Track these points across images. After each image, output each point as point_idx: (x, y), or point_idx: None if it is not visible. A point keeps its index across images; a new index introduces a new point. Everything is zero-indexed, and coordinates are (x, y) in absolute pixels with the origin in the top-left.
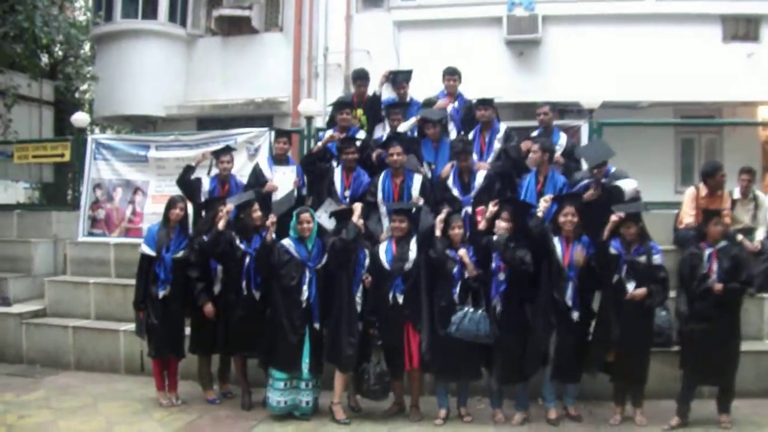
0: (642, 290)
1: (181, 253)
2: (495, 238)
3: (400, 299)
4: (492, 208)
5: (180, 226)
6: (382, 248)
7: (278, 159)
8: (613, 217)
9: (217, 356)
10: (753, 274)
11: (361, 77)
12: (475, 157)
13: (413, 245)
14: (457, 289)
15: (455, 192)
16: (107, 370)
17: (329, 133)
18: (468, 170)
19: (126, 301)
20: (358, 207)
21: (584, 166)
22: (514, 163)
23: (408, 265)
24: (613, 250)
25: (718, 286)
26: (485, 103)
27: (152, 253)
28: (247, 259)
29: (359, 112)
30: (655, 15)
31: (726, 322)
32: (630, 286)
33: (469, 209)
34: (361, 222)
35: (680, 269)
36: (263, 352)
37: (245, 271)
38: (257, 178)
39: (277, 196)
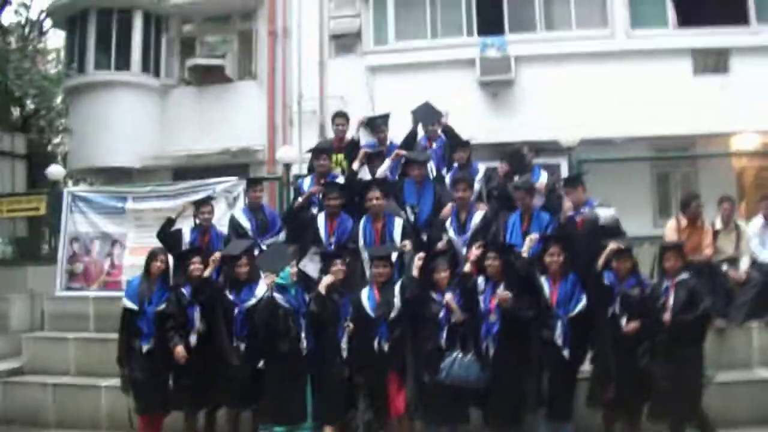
0: (634, 324)
1: (162, 306)
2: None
3: (386, 347)
4: (475, 251)
5: (162, 279)
6: (364, 295)
7: (253, 207)
8: (612, 246)
9: (202, 412)
10: (708, 307)
11: (340, 116)
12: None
13: (397, 291)
14: (444, 334)
15: (451, 233)
16: (88, 428)
17: (310, 186)
18: (466, 208)
19: (107, 356)
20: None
21: (566, 202)
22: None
23: (393, 313)
24: (606, 282)
25: (667, 317)
26: (462, 145)
27: (134, 307)
28: (236, 310)
29: (340, 157)
30: (625, 51)
31: (687, 357)
32: (623, 321)
33: (465, 250)
34: (330, 279)
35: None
36: (266, 407)
37: (234, 322)
38: (235, 229)
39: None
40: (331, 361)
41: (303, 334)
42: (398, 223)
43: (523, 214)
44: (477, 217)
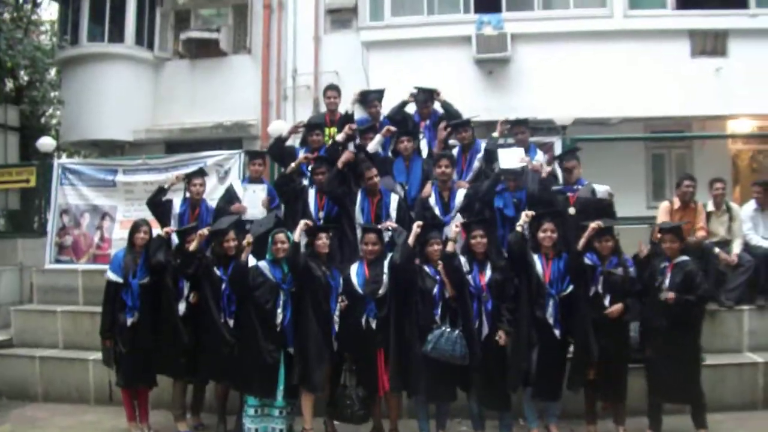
0: (618, 306)
1: (146, 279)
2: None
3: (373, 324)
4: (455, 229)
5: (146, 251)
6: (353, 270)
7: (253, 180)
8: (593, 225)
9: (191, 386)
10: (708, 290)
11: (331, 88)
12: (455, 176)
13: (386, 268)
14: (439, 310)
15: (437, 211)
16: (76, 401)
17: (302, 154)
18: (448, 189)
19: (95, 329)
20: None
21: (560, 177)
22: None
23: (382, 290)
24: (588, 261)
25: (671, 295)
26: (465, 125)
27: (119, 280)
28: (224, 286)
29: (333, 130)
30: (623, 31)
31: (685, 340)
32: (606, 300)
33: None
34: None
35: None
36: (236, 377)
37: (222, 297)
38: (230, 198)
39: (247, 216)
40: (310, 332)
41: (280, 309)
42: (394, 199)
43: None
44: (460, 196)
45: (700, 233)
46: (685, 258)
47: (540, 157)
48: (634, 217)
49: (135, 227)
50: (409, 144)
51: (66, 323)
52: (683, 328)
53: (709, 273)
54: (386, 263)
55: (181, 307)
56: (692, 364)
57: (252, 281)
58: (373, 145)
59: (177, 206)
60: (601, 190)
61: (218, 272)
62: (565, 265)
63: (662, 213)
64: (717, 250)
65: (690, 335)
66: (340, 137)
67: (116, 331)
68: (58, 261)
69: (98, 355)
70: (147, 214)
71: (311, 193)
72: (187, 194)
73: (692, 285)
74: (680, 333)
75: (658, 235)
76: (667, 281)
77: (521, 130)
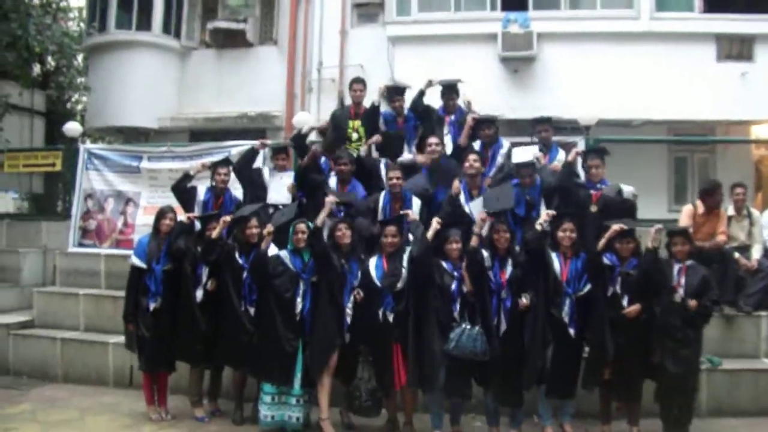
0: (636, 307)
1: (170, 265)
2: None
3: (390, 317)
4: (480, 223)
5: (170, 237)
6: (372, 264)
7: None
8: (615, 227)
9: (208, 372)
10: (719, 294)
11: (357, 81)
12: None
13: (405, 262)
14: (458, 306)
15: (466, 209)
16: (95, 383)
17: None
18: (477, 186)
19: (116, 313)
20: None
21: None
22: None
23: (400, 284)
24: (607, 261)
25: (693, 302)
26: (488, 122)
27: (142, 265)
28: (245, 274)
29: (357, 123)
30: (649, 33)
31: (694, 344)
32: (625, 301)
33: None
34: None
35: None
36: (255, 365)
37: (244, 285)
38: (256, 178)
39: (273, 201)
40: (322, 321)
41: (299, 299)
42: (416, 204)
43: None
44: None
45: (721, 237)
46: (691, 262)
47: (561, 156)
48: (655, 220)
49: (161, 213)
50: (437, 147)
51: (88, 306)
52: (695, 330)
53: (728, 277)
54: (405, 257)
55: (199, 294)
56: (697, 367)
57: (272, 270)
58: (365, 149)
59: (201, 194)
60: (627, 190)
61: (240, 260)
62: (583, 264)
63: (685, 216)
64: (737, 255)
65: (699, 339)
66: (363, 150)
67: (139, 316)
68: (81, 245)
69: (118, 339)
70: (171, 201)
71: (332, 184)
72: (212, 183)
73: (708, 289)
74: (692, 334)
75: (654, 236)
76: (682, 284)
77: (545, 128)
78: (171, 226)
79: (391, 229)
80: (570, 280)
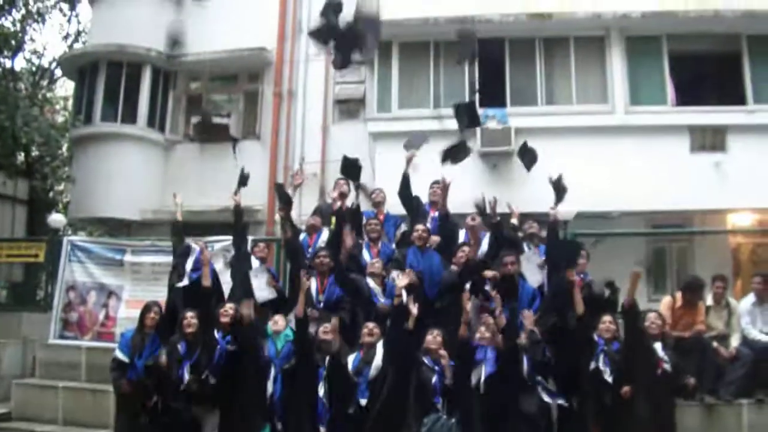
0: (627, 388)
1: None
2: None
3: (363, 402)
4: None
5: (155, 332)
6: (351, 358)
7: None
8: (636, 270)
9: None
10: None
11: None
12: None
13: (379, 349)
14: (440, 399)
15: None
16: None
17: (305, 239)
18: (476, 237)
19: (96, 406)
20: None
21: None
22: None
23: (373, 372)
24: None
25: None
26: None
27: (125, 359)
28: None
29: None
30: (624, 127)
31: None
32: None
33: None
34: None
35: None
36: None
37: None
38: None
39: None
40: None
41: (270, 382)
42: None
43: None
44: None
45: (700, 327)
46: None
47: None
48: None
49: (147, 308)
50: (424, 234)
51: (67, 399)
52: None
53: (708, 366)
54: (379, 346)
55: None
56: None
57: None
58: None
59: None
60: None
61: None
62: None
63: (664, 308)
64: (715, 344)
65: None
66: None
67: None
68: (62, 336)
69: None
70: (154, 296)
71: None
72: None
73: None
74: None
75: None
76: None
77: (531, 225)
78: (155, 320)
79: (369, 325)
80: None
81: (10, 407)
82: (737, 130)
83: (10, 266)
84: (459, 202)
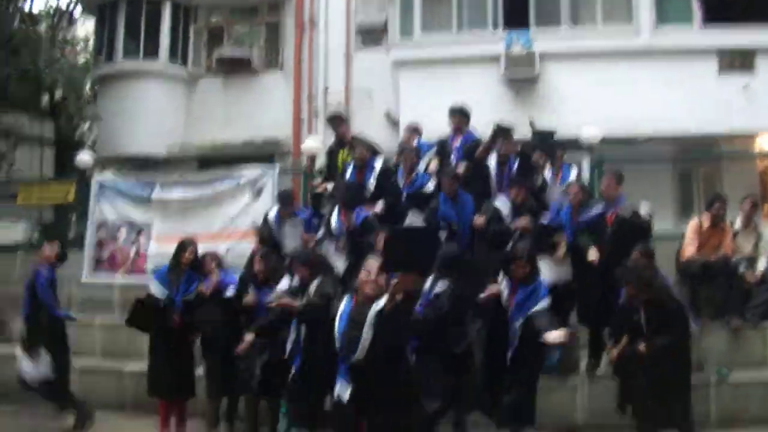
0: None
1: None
2: None
3: (345, 396)
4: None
5: (190, 269)
6: (340, 309)
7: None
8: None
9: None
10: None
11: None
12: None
13: (371, 316)
14: None
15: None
16: (114, 408)
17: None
18: None
19: (130, 342)
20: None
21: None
22: None
23: (359, 353)
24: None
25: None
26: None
27: (162, 296)
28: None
29: (344, 152)
30: (650, 50)
31: None
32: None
33: None
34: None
35: None
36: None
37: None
38: (269, 231)
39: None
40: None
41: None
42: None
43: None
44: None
45: (727, 250)
46: None
47: (574, 174)
48: (662, 234)
49: (182, 246)
50: (453, 185)
51: (104, 334)
52: None
53: (735, 290)
54: (373, 309)
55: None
56: None
57: None
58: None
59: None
60: (644, 211)
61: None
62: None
63: (691, 231)
64: (742, 268)
65: None
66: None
67: (156, 344)
68: (95, 274)
69: (134, 366)
70: (183, 231)
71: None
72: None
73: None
74: None
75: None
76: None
77: (563, 152)
78: (190, 259)
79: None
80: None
81: None
82: (766, 51)
83: (40, 208)
84: (483, 124)
